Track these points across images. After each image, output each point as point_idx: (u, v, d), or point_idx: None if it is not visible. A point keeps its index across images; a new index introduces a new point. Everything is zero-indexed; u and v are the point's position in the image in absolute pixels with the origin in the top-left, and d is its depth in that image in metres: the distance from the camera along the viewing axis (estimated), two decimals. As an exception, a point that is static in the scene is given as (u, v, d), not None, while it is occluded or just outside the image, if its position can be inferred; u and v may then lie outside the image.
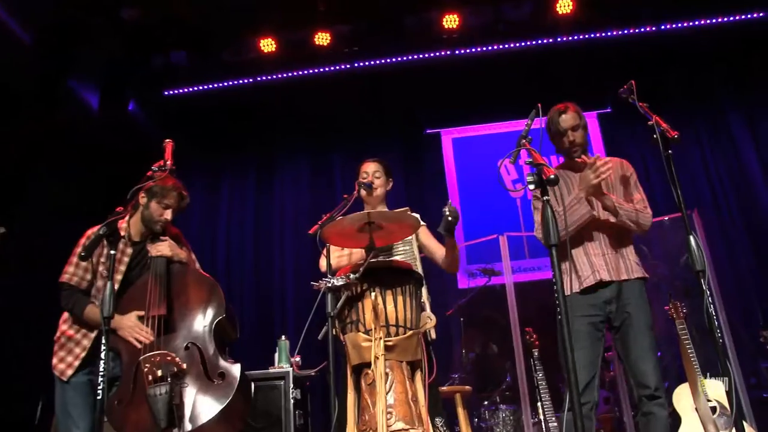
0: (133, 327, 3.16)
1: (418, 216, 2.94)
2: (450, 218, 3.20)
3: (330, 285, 2.82)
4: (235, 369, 3.06)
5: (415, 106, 7.90)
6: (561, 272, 2.23)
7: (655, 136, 2.69)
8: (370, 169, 3.79)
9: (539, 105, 2.71)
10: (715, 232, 6.36)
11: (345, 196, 3.33)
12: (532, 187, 2.38)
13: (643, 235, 3.39)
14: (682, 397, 3.89)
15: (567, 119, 3.47)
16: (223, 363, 3.07)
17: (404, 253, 3.56)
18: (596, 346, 3.20)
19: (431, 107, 7.95)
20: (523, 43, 7.08)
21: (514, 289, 5.80)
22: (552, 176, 2.26)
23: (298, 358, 4.53)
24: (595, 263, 3.31)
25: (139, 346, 3.12)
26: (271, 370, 4.38)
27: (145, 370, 2.98)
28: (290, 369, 4.34)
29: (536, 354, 4.77)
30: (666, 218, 5.13)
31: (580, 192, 3.28)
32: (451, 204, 3.28)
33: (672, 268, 5.40)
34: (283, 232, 7.51)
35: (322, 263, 3.44)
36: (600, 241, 3.36)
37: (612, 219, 3.32)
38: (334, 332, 2.83)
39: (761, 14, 6.69)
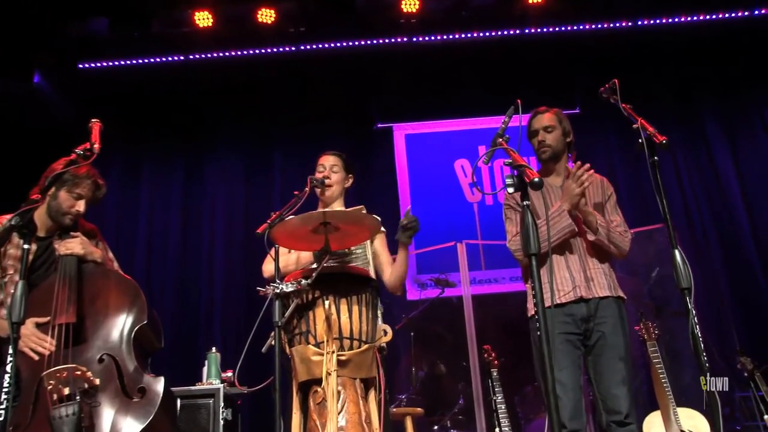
0: (29, 336, 3.01)
1: (378, 218, 2.93)
2: (409, 227, 3.21)
3: (279, 291, 2.80)
4: (158, 384, 2.99)
5: (367, 97, 7.93)
6: (541, 284, 2.23)
7: (640, 140, 2.76)
8: (328, 162, 3.80)
9: (518, 102, 2.73)
10: (686, 249, 6.53)
11: (296, 192, 3.32)
12: (511, 190, 2.39)
13: (621, 259, 3.48)
14: (653, 426, 3.98)
15: (542, 119, 3.59)
16: (143, 377, 3.00)
17: (360, 258, 3.58)
18: (578, 366, 3.26)
19: (384, 99, 7.99)
20: (487, 33, 7.15)
21: (471, 303, 5.89)
22: (536, 179, 2.27)
23: (229, 373, 4.44)
24: (576, 278, 3.38)
25: (36, 357, 2.99)
26: (198, 387, 4.27)
27: (49, 387, 2.85)
28: (221, 386, 4.24)
29: (495, 374, 4.81)
30: (631, 231, 5.32)
31: (563, 204, 3.36)
32: (410, 212, 3.32)
33: (640, 284, 5.58)
34: (213, 232, 7.45)
35: (268, 267, 3.42)
36: (579, 255, 3.43)
37: (591, 237, 3.41)
38: (276, 344, 2.80)
39: (746, 13, 6.88)
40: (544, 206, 3.42)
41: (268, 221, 2.99)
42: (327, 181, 3.73)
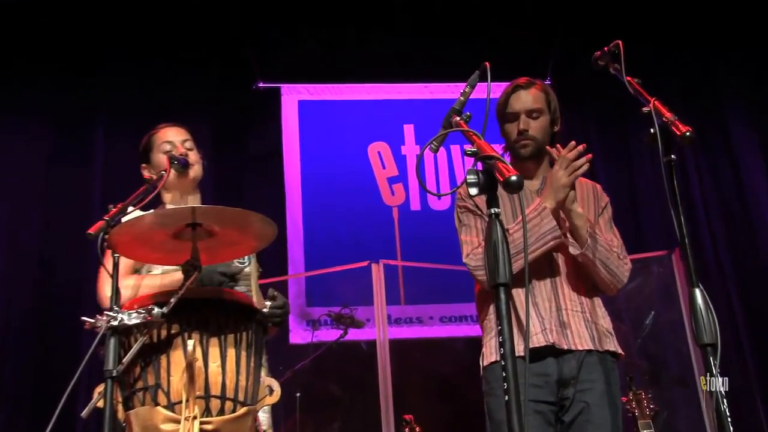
0: None
1: (274, 224, 2.91)
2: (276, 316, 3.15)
3: (116, 323, 2.74)
4: None
5: (244, 42, 8.03)
6: (510, 323, 2.24)
7: (652, 130, 2.77)
8: (177, 136, 3.86)
9: (487, 65, 2.72)
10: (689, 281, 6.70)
11: (147, 176, 3.35)
12: (474, 191, 2.37)
13: (609, 294, 3.57)
14: None
15: (524, 97, 3.61)
16: None
17: (243, 279, 3.62)
18: None
19: (271, 48, 8.12)
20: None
21: (389, 351, 5.96)
22: (513, 177, 2.22)
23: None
24: (545, 318, 3.42)
25: None
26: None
27: None
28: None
29: (419, 459, 4.84)
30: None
31: (545, 200, 3.39)
32: (273, 292, 3.22)
33: (628, 335, 5.74)
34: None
35: (104, 289, 3.39)
36: (556, 285, 3.49)
37: (573, 250, 3.44)
38: (107, 403, 2.71)
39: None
40: (521, 213, 3.45)
41: (106, 217, 2.94)
42: (189, 160, 3.76)
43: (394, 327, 7.32)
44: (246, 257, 3.64)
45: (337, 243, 7.78)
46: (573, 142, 3.38)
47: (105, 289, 3.45)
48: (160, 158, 3.75)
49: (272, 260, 6.90)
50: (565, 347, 3.36)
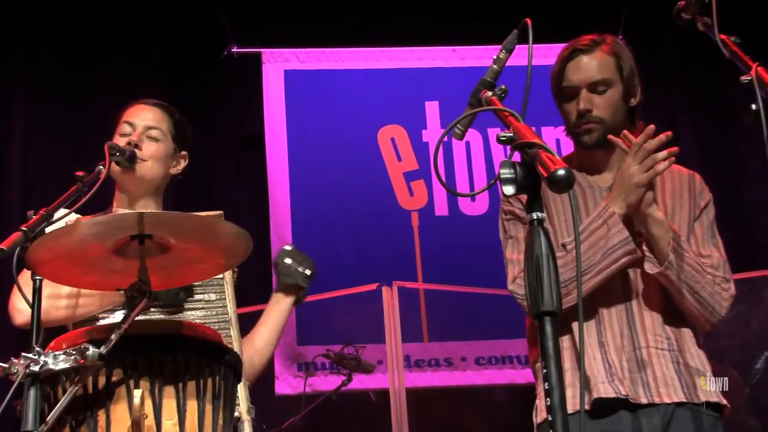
0: None
1: (248, 235, 2.90)
2: (293, 271, 3.39)
3: (38, 368, 2.73)
4: None
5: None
6: (559, 368, 2.21)
7: (753, 106, 2.74)
8: (142, 117, 3.93)
9: (528, 21, 2.74)
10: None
11: (80, 173, 3.34)
12: (510, 190, 2.32)
13: (706, 330, 3.57)
14: None
15: (586, 63, 3.59)
16: None
17: (208, 307, 3.66)
18: None
19: (249, 2, 8.21)
20: None
21: (406, 404, 5.95)
22: (560, 171, 2.15)
23: None
24: (616, 360, 3.41)
25: None
26: None
27: None
28: None
29: None
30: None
31: (613, 202, 3.39)
32: (292, 248, 3.44)
33: (734, 381, 5.66)
34: None
35: (20, 316, 3.45)
36: (632, 315, 3.48)
37: (651, 269, 3.40)
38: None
39: None
40: (559, 227, 3.49)
41: (24, 227, 2.97)
42: (138, 153, 3.79)
43: (413, 371, 7.30)
44: (213, 279, 3.66)
45: (337, 259, 7.78)
46: (651, 127, 3.33)
47: (19, 316, 3.50)
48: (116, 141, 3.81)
49: (251, 283, 6.92)
50: (645, 401, 3.36)
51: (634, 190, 3.31)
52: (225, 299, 3.67)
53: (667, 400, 3.36)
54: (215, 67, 8.35)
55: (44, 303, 3.09)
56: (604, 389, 3.33)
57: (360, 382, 6.66)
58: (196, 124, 7.34)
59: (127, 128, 3.85)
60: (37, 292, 2.98)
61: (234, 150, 8.35)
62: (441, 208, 8.04)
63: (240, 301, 3.84)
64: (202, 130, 7.67)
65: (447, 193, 7.84)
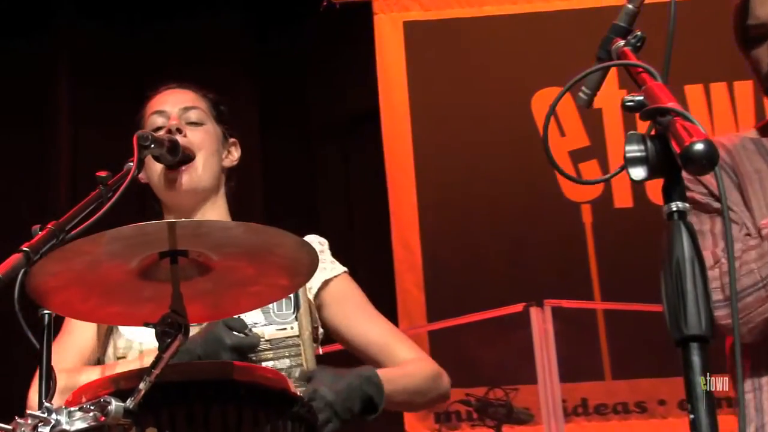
0: None
1: (320, 241, 3.36)
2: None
3: (48, 430, 2.49)
4: None
5: None
6: (711, 407, 1.89)
7: None
8: (175, 101, 3.83)
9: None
10: None
11: (102, 173, 3.17)
12: (639, 173, 2.15)
13: None
14: None
15: None
16: None
17: (277, 345, 3.57)
18: None
19: None
20: None
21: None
22: (697, 146, 1.94)
23: None
24: None
25: None
26: None
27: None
28: None
29: None
30: None
31: None
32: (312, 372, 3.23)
33: None
34: None
35: (28, 404, 3.47)
36: None
37: None
38: None
39: None
40: (744, 216, 3.33)
41: (26, 246, 2.80)
42: (182, 140, 3.58)
43: (593, 420, 7.04)
44: (278, 302, 3.56)
45: (479, 270, 7.49)
46: None
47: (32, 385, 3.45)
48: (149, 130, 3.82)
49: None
50: None
51: None
52: (302, 331, 3.53)
53: None
54: (312, 22, 8.12)
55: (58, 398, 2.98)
56: None
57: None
58: (290, 97, 7.87)
59: (158, 119, 3.70)
60: (46, 329, 2.96)
61: (338, 131, 8.09)
62: (623, 198, 7.60)
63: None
64: (297, 107, 8.08)
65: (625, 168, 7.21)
